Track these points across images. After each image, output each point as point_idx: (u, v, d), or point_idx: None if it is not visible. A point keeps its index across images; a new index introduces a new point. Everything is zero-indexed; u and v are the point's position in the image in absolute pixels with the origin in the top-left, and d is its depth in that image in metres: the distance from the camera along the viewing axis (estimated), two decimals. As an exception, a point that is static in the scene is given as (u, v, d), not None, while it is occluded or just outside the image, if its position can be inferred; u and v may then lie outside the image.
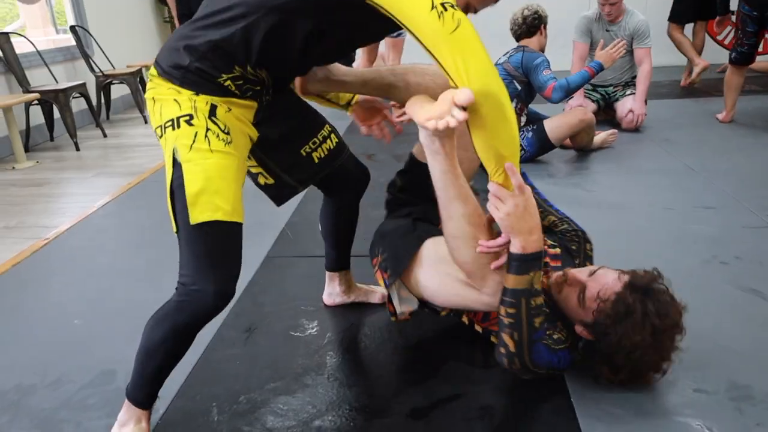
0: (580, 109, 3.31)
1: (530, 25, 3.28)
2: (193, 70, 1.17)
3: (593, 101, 4.04)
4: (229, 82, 1.19)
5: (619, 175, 3.10)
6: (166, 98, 1.20)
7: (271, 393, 1.52)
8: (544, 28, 3.34)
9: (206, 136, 1.17)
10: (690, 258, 2.12)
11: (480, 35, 1.08)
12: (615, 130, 3.60)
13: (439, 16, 1.04)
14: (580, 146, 3.44)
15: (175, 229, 1.23)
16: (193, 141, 1.16)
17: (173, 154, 1.18)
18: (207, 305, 1.20)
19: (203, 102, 1.19)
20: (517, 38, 3.34)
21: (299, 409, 1.46)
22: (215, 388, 1.56)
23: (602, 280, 1.37)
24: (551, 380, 1.47)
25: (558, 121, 3.27)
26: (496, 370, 1.54)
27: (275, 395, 1.51)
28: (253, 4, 1.14)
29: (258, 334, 1.80)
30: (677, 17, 5.18)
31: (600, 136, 3.53)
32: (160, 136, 1.22)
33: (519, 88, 3.21)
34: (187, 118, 1.17)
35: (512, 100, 3.22)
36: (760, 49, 4.12)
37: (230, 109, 1.22)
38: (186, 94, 1.18)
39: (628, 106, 3.86)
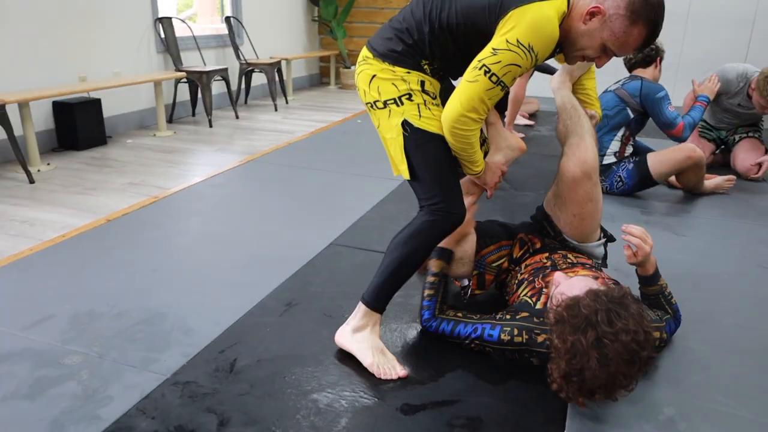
0: (688, 145, 3.07)
1: (647, 56, 3.14)
2: (405, 54, 1.53)
3: (709, 141, 3.72)
4: (426, 66, 1.55)
5: (722, 222, 2.85)
6: (384, 79, 1.55)
7: (285, 360, 1.65)
8: (660, 61, 3.18)
9: (426, 106, 1.55)
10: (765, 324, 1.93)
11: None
12: (733, 177, 3.30)
13: (474, 68, 1.43)
14: (688, 187, 3.20)
15: (409, 176, 1.59)
16: (419, 111, 1.55)
17: (404, 123, 1.55)
18: (455, 222, 1.59)
19: (415, 80, 1.54)
20: (630, 68, 3.20)
21: (303, 379, 1.57)
22: (240, 346, 1.72)
23: (573, 283, 1.42)
24: (550, 401, 1.45)
25: (663, 156, 3.07)
26: (493, 385, 1.54)
27: (288, 363, 1.64)
28: (437, 31, 1.50)
29: (295, 310, 1.94)
30: None
31: (714, 180, 3.26)
32: (379, 108, 1.58)
33: (631, 116, 3.07)
34: (407, 95, 1.54)
35: (619, 129, 3.11)
36: None
37: (431, 83, 1.57)
38: (399, 73, 1.54)
39: (748, 154, 3.51)
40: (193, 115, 5.29)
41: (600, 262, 1.91)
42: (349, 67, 7.35)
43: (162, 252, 2.38)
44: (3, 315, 1.87)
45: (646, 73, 3.15)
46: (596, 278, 1.58)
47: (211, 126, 4.86)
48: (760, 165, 3.47)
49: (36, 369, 1.61)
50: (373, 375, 1.60)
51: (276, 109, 5.70)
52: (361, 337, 1.66)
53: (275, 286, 2.09)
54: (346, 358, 1.67)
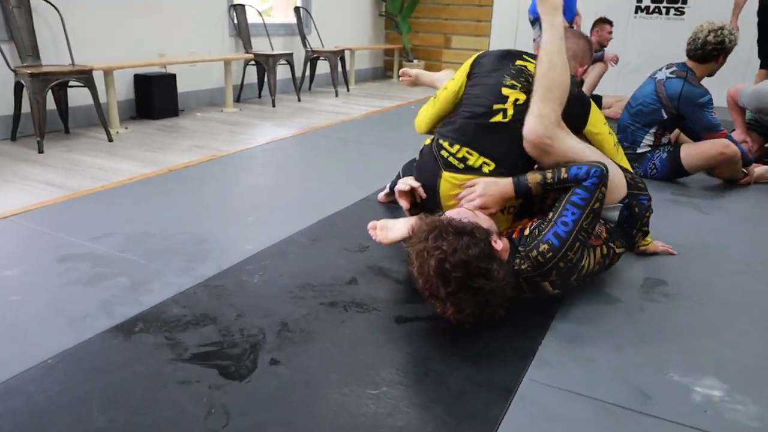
0: (721, 140, 3.02)
1: (707, 54, 2.98)
2: None
3: (760, 134, 3.65)
4: None
5: (753, 207, 2.86)
6: None
7: (302, 277, 1.88)
8: (724, 57, 3.02)
9: None
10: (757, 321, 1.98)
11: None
12: None
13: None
14: (723, 179, 3.20)
15: None
16: None
17: None
18: None
19: None
20: (687, 55, 3.08)
21: (317, 290, 1.79)
22: (266, 265, 1.96)
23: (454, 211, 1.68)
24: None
25: (695, 149, 3.07)
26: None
27: (305, 280, 1.86)
28: None
29: (319, 244, 2.16)
30: None
31: (759, 169, 3.23)
32: None
33: (665, 117, 3.05)
34: None
35: (653, 127, 3.11)
36: None
37: None
38: None
39: None
40: (259, 96, 5.66)
41: (613, 225, 1.80)
42: (412, 61, 7.56)
43: (214, 196, 2.67)
44: (73, 229, 2.20)
45: (701, 67, 3.03)
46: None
47: (274, 106, 5.20)
48: None
49: (95, 267, 1.91)
50: (376, 291, 1.80)
51: (336, 95, 6.00)
52: None
53: (306, 225, 2.32)
54: (357, 281, 1.88)
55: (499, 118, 1.83)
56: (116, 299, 1.70)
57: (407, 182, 1.95)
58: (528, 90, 1.83)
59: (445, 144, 1.88)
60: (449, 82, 2.07)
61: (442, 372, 1.42)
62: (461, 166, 1.84)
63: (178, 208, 2.49)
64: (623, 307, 1.77)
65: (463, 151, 1.84)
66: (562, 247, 1.57)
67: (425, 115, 2.15)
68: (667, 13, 6.23)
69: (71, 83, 3.66)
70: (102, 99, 3.96)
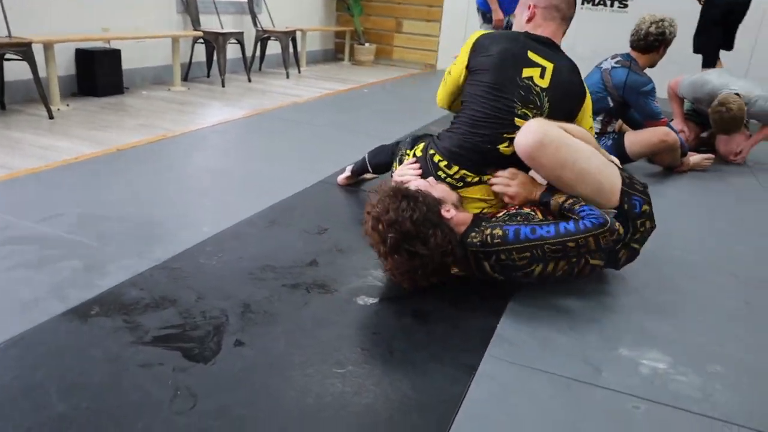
0: (662, 128, 3.18)
1: (649, 44, 3.13)
2: None
3: (697, 124, 3.86)
4: None
5: (688, 191, 3.02)
6: None
7: (262, 259, 1.86)
8: (665, 48, 3.18)
9: None
10: (710, 273, 2.11)
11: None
12: (711, 155, 3.46)
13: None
14: (663, 166, 3.36)
15: None
16: None
17: None
18: None
19: None
20: (631, 45, 3.22)
21: (278, 273, 1.78)
22: (225, 247, 1.93)
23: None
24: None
25: (638, 137, 3.21)
26: (439, 291, 1.74)
27: (265, 261, 1.85)
28: None
29: (277, 226, 2.15)
30: None
31: (694, 158, 3.41)
32: None
33: (611, 105, 3.17)
34: None
35: (600, 114, 3.21)
36: None
37: None
38: None
39: (732, 140, 3.64)
40: (208, 75, 5.51)
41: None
42: (364, 44, 7.52)
43: (166, 177, 2.60)
44: (17, 210, 2.10)
45: (643, 58, 3.16)
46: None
47: (223, 86, 5.07)
48: (741, 151, 3.61)
49: (43, 249, 1.83)
50: (336, 273, 1.81)
51: (288, 77, 5.91)
52: None
53: (262, 207, 2.30)
54: (318, 263, 1.88)
55: (511, 149, 1.81)
56: (69, 283, 1.65)
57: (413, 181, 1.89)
58: (540, 113, 1.82)
59: (442, 164, 1.88)
60: (452, 65, 2.04)
61: (406, 351, 1.45)
62: (460, 184, 1.87)
63: (129, 189, 2.41)
64: (576, 289, 1.84)
65: (461, 173, 1.86)
66: (511, 244, 1.60)
67: (441, 95, 2.13)
68: (612, 5, 6.43)
69: (8, 56, 3.46)
70: (42, 74, 3.76)
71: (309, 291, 1.71)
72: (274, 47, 6.28)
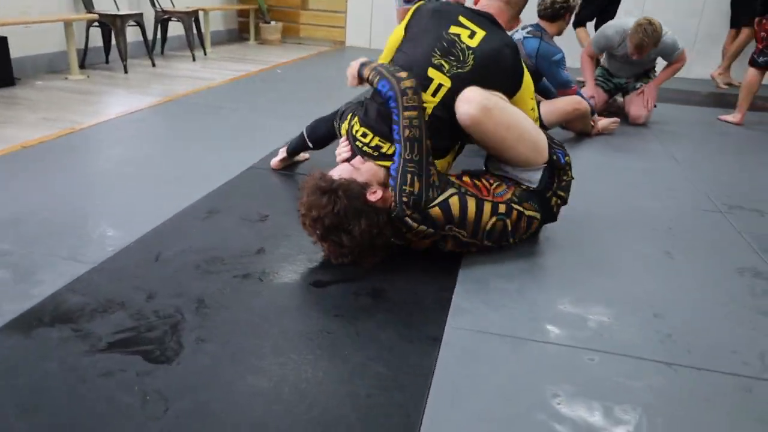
0: (575, 98, 3.37)
1: (555, 12, 3.27)
2: None
3: (605, 90, 4.12)
4: None
5: (601, 153, 3.24)
6: None
7: (209, 252, 1.81)
8: (570, 16, 3.34)
9: None
10: (632, 229, 2.28)
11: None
12: (617, 119, 3.71)
13: None
14: (576, 132, 3.57)
15: None
16: None
17: None
18: None
19: None
20: (539, 15, 3.35)
21: (229, 264, 1.74)
22: (165, 242, 1.85)
23: (337, 168, 1.79)
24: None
25: (552, 107, 3.36)
26: (390, 267, 1.78)
27: (212, 254, 1.79)
28: None
29: (216, 216, 2.08)
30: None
31: (602, 122, 3.64)
32: None
33: None
34: None
35: None
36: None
37: None
38: None
39: (634, 103, 3.93)
40: (107, 61, 5.16)
41: (536, 186, 1.85)
42: (269, 22, 7.32)
43: (83, 173, 2.43)
44: None
45: (552, 26, 3.30)
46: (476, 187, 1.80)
47: (126, 72, 4.78)
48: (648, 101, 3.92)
49: (-38, 261, 1.68)
50: (289, 261, 1.79)
51: (194, 59, 5.65)
52: None
53: (197, 198, 2.22)
54: (266, 251, 1.85)
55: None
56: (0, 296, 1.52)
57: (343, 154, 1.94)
58: (455, 76, 1.77)
59: (359, 134, 1.86)
60: (395, 28, 2.01)
61: (372, 330, 1.47)
62: (375, 153, 1.82)
63: (45, 188, 2.24)
64: (516, 254, 1.94)
65: (376, 140, 1.82)
66: (395, 185, 1.67)
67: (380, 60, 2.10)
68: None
69: None
70: None
71: (262, 279, 1.68)
72: (174, 29, 5.98)
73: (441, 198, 1.70)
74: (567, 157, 1.91)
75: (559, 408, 1.25)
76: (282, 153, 2.60)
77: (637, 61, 3.89)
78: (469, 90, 1.74)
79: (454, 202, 1.71)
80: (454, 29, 1.84)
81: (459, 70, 1.79)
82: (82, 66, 4.80)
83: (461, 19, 1.86)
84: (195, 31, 5.77)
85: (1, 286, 1.56)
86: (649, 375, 1.37)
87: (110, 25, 4.70)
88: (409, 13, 1.96)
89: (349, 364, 1.34)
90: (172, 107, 3.68)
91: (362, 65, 1.87)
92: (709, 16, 6.19)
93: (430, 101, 1.79)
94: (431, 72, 1.80)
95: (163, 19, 5.60)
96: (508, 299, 1.66)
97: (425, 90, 1.78)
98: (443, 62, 1.80)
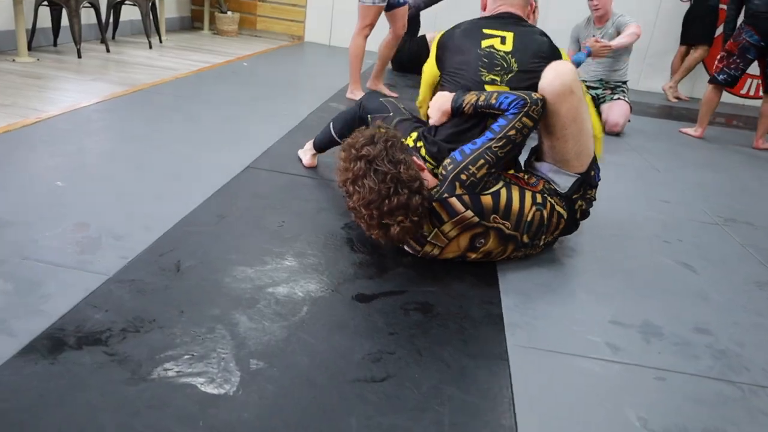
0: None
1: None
2: None
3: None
4: None
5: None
6: None
7: (230, 262, 1.65)
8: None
9: None
10: (644, 239, 2.29)
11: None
12: None
13: None
14: None
15: None
16: None
17: None
18: None
19: None
20: None
21: (255, 277, 1.59)
22: (180, 250, 1.68)
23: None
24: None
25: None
26: (432, 280, 1.69)
27: (234, 264, 1.64)
28: None
29: (228, 221, 1.92)
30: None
31: None
32: None
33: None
34: None
35: None
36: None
37: None
38: None
39: (614, 110, 4.03)
40: (55, 44, 4.75)
41: (564, 191, 1.82)
42: (225, 12, 7.01)
43: (63, 167, 2.18)
44: None
45: None
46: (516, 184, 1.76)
47: (79, 57, 4.41)
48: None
49: (-51, 270, 1.45)
50: (321, 272, 1.66)
51: (151, 47, 5.31)
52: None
53: (201, 201, 2.04)
54: (291, 258, 1.71)
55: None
56: (5, 312, 1.31)
57: None
58: (510, 81, 1.80)
59: (428, 164, 1.85)
60: (425, 66, 2.07)
61: (432, 348, 1.38)
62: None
63: (25, 187, 1.99)
64: (544, 260, 1.89)
65: (439, 169, 1.78)
66: (462, 161, 1.66)
67: (421, 100, 2.16)
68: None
69: None
70: None
71: (298, 292, 1.55)
72: (127, 14, 5.60)
73: (493, 188, 1.69)
74: (599, 179, 1.90)
75: (647, 433, 1.20)
76: (310, 150, 2.52)
77: (607, 61, 4.01)
78: (563, 64, 1.73)
79: (503, 192, 1.70)
80: (485, 42, 1.87)
81: (510, 75, 1.82)
82: (29, 48, 4.39)
83: (485, 31, 1.90)
84: (151, 14, 5.42)
85: (5, 299, 1.35)
86: (720, 395, 1.36)
87: (63, 5, 4.32)
88: (435, 49, 2.00)
89: (423, 390, 1.24)
90: (143, 97, 3.41)
91: (456, 99, 1.80)
92: (660, 33, 6.45)
93: None
94: (488, 88, 1.81)
95: (116, 3, 5.23)
96: (556, 312, 1.61)
97: None
98: (493, 76, 1.83)
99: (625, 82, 4.19)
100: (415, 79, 3.64)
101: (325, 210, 2.10)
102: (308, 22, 7.20)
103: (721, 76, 4.10)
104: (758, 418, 1.29)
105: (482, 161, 1.65)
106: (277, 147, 2.75)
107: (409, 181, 1.53)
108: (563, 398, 1.28)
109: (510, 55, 1.83)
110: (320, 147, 2.44)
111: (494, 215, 1.68)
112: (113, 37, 5.49)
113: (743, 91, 6.56)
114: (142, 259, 1.61)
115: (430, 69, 2.03)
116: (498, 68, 1.82)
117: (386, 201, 1.52)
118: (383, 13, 3.82)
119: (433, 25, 5.71)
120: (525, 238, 1.77)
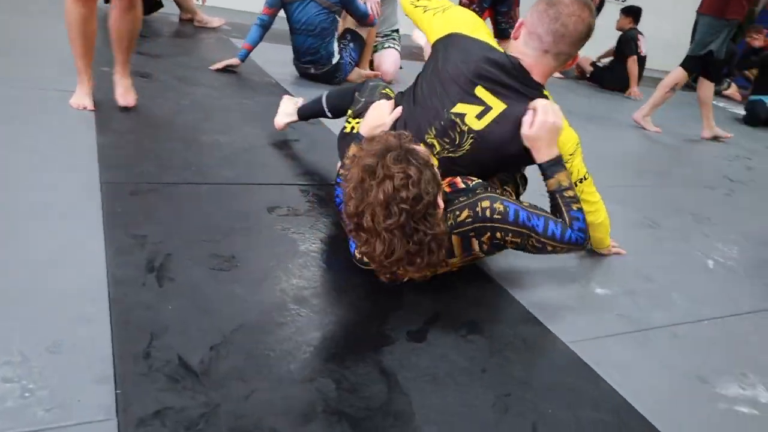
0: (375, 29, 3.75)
1: None
2: None
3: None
4: None
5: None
6: None
7: (215, 317, 1.24)
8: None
9: None
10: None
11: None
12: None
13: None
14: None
15: None
16: None
17: None
18: None
19: None
20: None
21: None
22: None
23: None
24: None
25: (365, 33, 3.66)
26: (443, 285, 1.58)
27: (217, 319, 1.25)
28: None
29: (172, 263, 1.42)
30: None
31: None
32: None
33: (336, 18, 3.38)
34: None
35: (334, 34, 3.40)
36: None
37: None
38: None
39: (384, 59, 4.06)
40: None
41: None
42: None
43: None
44: None
45: None
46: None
47: None
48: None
49: None
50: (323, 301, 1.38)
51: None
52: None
53: (95, 227, 1.43)
54: (306, 290, 1.38)
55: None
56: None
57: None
58: (445, 159, 1.58)
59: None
60: (458, 11, 1.76)
61: (503, 366, 1.33)
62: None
63: None
64: (533, 259, 1.77)
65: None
66: (510, 224, 1.48)
67: (418, 18, 1.81)
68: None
69: None
70: None
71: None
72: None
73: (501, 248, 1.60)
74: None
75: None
76: (291, 114, 2.33)
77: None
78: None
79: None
80: (460, 107, 1.57)
81: (450, 154, 1.59)
82: None
83: (478, 90, 1.57)
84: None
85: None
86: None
87: None
88: (441, 34, 1.68)
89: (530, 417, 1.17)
90: None
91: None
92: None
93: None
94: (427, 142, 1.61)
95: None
96: (578, 302, 1.67)
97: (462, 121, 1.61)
98: (435, 142, 1.59)
99: (396, 30, 4.29)
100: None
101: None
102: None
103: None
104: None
105: (518, 240, 1.49)
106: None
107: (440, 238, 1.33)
108: (668, 374, 1.40)
109: (470, 136, 1.57)
110: (304, 115, 2.30)
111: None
112: None
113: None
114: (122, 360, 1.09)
115: (449, 24, 1.68)
116: (447, 140, 1.59)
117: (412, 259, 1.30)
118: None
119: None
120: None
